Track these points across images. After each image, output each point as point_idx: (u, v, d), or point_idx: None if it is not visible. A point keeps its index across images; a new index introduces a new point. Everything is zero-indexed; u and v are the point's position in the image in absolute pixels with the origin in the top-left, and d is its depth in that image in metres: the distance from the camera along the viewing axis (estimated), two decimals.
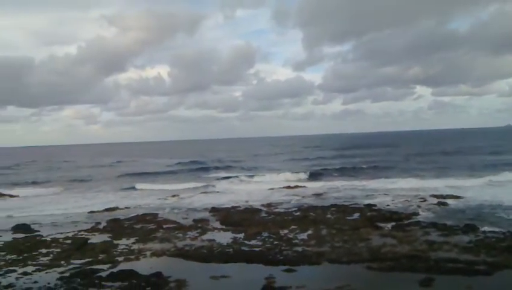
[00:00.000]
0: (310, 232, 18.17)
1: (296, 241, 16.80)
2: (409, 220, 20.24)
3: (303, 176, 44.00)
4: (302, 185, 36.33)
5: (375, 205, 24.71)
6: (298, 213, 23.15)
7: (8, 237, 19.73)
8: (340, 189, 33.63)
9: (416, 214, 22.09)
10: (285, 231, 18.53)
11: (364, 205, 25.06)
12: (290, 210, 24.41)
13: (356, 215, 21.96)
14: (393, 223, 19.57)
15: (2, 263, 15.09)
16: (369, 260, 13.61)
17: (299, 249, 15.49)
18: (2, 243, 18.31)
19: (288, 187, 34.93)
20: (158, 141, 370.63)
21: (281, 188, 34.94)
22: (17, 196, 36.55)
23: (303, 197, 29.83)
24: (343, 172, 47.54)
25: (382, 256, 14.03)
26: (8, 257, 15.88)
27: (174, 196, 32.61)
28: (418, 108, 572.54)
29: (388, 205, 25.09)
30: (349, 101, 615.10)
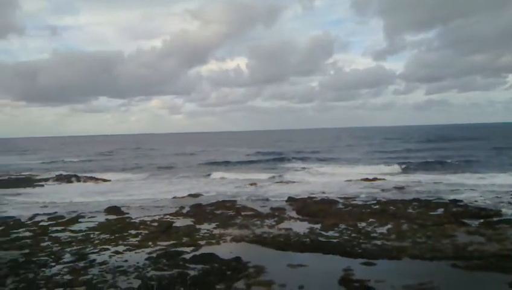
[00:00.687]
0: (389, 226, 17.55)
1: (375, 234, 16.31)
2: (499, 218, 18.77)
3: (383, 168, 42.36)
4: (382, 177, 35.10)
5: (461, 201, 23.18)
6: (377, 206, 22.46)
7: (102, 218, 21.38)
8: (422, 183, 31.98)
9: (508, 211, 20.42)
10: (363, 224, 18.08)
11: (450, 200, 23.60)
12: (368, 203, 23.76)
13: (440, 210, 20.74)
14: (481, 220, 18.25)
15: (97, 241, 16.40)
16: (454, 258, 12.83)
17: (378, 242, 15.03)
18: (97, 223, 19.91)
19: (367, 179, 33.95)
20: (237, 131, 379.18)
21: (358, 180, 34.08)
22: (109, 181, 39.45)
23: (382, 190, 28.85)
24: (427, 165, 45.15)
25: (468, 254, 13.17)
26: (102, 236, 17.22)
27: (251, 184, 33.20)
28: (510, 98, 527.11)
29: (476, 201, 23.42)
30: (433, 90, 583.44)
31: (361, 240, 15.36)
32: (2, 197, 29.84)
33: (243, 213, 21.21)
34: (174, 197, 27.80)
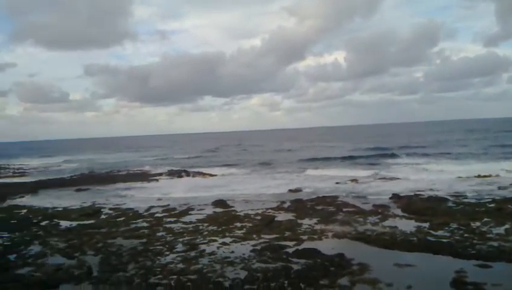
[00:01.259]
0: (507, 226, 15.96)
1: (491, 235, 14.96)
2: None
3: (500, 164, 38.37)
4: (497, 174, 32.00)
5: None
6: (492, 205, 20.53)
7: (210, 210, 22.52)
8: None
9: None
10: (477, 224, 16.65)
11: None
12: (482, 201, 21.85)
13: None
14: None
15: (206, 233, 17.31)
16: None
17: (495, 243, 13.76)
18: (205, 215, 21.03)
19: (480, 176, 31.21)
20: (334, 126, 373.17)
21: (470, 177, 31.44)
22: (215, 175, 41.37)
23: (499, 187, 26.28)
24: None
25: None
26: (210, 228, 18.14)
27: (352, 180, 32.43)
28: None
29: None
30: None
31: (475, 241, 14.19)
32: (122, 190, 32.92)
33: (344, 209, 20.83)
34: (275, 192, 28.25)
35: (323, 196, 25.00)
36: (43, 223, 20.70)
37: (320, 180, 33.99)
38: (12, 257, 14.88)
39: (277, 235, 16.02)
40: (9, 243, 16.79)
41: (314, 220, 18.62)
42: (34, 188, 35.16)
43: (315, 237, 15.76)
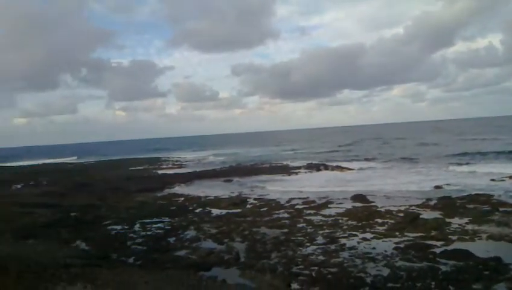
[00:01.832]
0: None
1: None
2: None
3: None
4: None
5: None
6: None
7: (349, 204, 22.22)
8: None
9: None
10: None
11: None
12: None
13: None
14: None
15: (345, 227, 17.16)
16: None
17: None
18: (344, 209, 20.82)
19: None
20: (489, 116, 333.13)
21: None
22: (353, 169, 40.59)
23: None
24: None
25: None
26: (350, 222, 17.92)
27: (511, 177, 28.71)
28: None
29: None
30: None
31: None
32: (265, 182, 34.46)
33: (501, 209, 18.60)
34: (419, 188, 26.56)
35: (476, 194, 22.65)
36: (197, 211, 22.89)
37: (471, 177, 30.85)
38: (171, 239, 16.80)
39: (422, 234, 15.08)
40: (169, 227, 18.97)
41: (465, 220, 17.02)
42: (189, 178, 39.06)
43: (466, 237, 14.42)
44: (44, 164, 77.24)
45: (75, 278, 10.29)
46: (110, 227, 19.55)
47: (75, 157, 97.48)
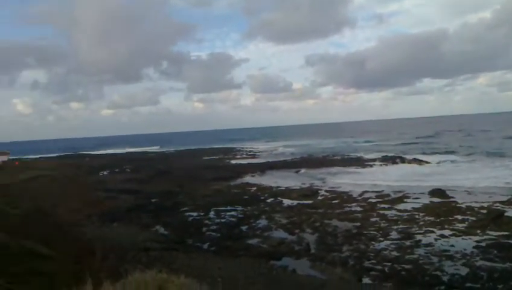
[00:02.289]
0: None
1: None
2: None
3: None
4: None
5: None
6: None
7: (426, 199, 21.21)
8: None
9: None
10: None
11: None
12: None
13: None
14: None
15: (422, 222, 16.44)
16: None
17: None
18: (421, 204, 19.91)
19: None
20: None
21: None
22: (431, 163, 38.53)
23: None
24: None
25: None
26: (427, 218, 17.13)
27: None
28: None
29: None
30: None
31: None
32: (337, 174, 33.96)
33: None
34: (505, 184, 24.60)
35: None
36: (269, 200, 23.20)
37: None
38: (244, 227, 17.23)
39: (507, 233, 14.04)
40: (242, 216, 19.47)
41: None
42: (262, 168, 39.61)
43: None
44: (128, 152, 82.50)
45: (153, 261, 10.96)
46: (187, 213, 20.51)
47: (158, 147, 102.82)
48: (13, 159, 52.08)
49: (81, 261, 11.96)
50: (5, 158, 48.62)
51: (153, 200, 24.11)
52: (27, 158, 62.84)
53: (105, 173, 42.36)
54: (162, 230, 17.14)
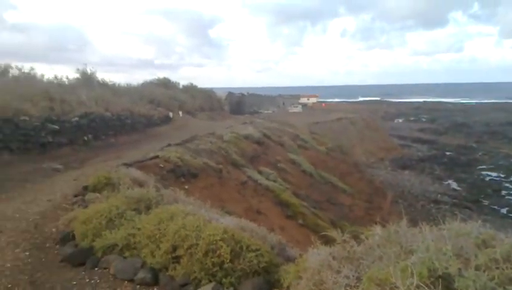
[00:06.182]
0: None
1: None
2: None
3: None
4: None
5: None
6: None
7: None
8: None
9: None
10: None
11: None
12: None
13: None
14: None
15: None
16: None
17: None
18: None
19: None
20: None
21: None
22: None
23: None
24: None
25: None
26: None
27: None
28: None
29: None
30: None
31: None
32: None
33: None
34: None
35: None
36: None
37: None
38: None
39: None
40: None
41: None
42: None
43: None
44: (424, 102, 79.46)
45: (443, 215, 10.48)
46: (484, 172, 18.44)
47: (458, 99, 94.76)
48: (321, 101, 58.59)
49: (373, 200, 12.69)
50: (314, 100, 55.24)
51: (448, 153, 22.70)
52: (331, 101, 69.60)
53: (400, 120, 42.41)
54: (454, 185, 16.06)
